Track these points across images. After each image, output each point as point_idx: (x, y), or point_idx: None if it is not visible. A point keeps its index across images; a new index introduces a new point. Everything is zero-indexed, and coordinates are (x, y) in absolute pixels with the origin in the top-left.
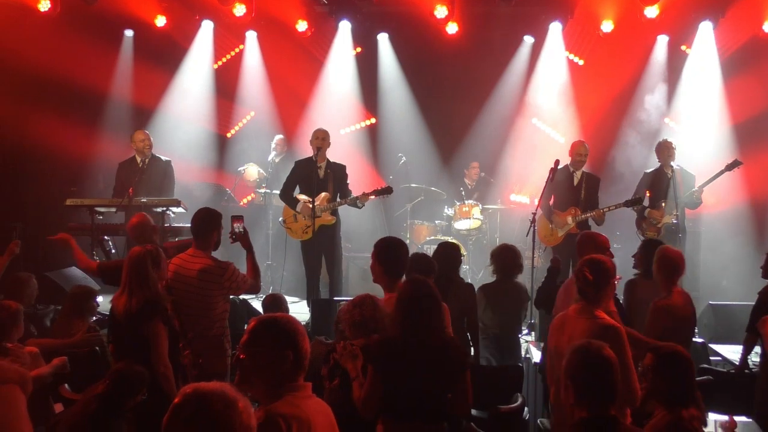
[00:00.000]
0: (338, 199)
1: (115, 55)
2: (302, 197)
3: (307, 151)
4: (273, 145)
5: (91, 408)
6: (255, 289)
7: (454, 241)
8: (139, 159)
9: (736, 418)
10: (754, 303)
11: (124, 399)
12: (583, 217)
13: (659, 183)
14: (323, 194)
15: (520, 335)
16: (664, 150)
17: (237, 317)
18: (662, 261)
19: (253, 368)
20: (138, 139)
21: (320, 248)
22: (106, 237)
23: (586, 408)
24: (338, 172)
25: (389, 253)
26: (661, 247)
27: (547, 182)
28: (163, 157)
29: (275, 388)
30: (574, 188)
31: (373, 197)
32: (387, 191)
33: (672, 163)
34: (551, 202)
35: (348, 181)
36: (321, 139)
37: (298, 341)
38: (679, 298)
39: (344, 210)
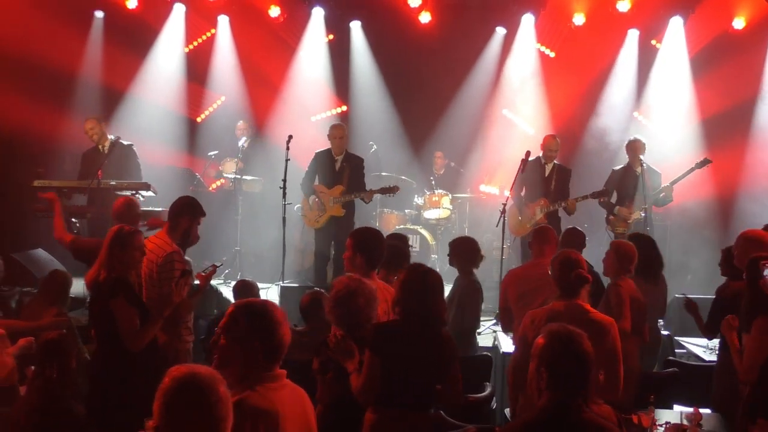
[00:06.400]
0: (353, 192)
1: (84, 36)
2: (319, 188)
3: (278, 137)
4: (236, 130)
5: (36, 387)
6: (186, 308)
7: (401, 232)
8: (100, 146)
9: (702, 410)
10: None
11: (60, 367)
12: (551, 209)
13: (627, 180)
14: (337, 186)
15: (478, 331)
16: (635, 148)
17: (207, 304)
18: (620, 253)
19: (229, 354)
20: (87, 128)
21: (331, 237)
22: (73, 219)
23: (557, 393)
24: (354, 164)
25: (370, 244)
26: (618, 240)
27: (518, 173)
28: (125, 142)
29: (247, 376)
30: (545, 180)
31: (377, 194)
32: (392, 190)
33: (641, 160)
34: (522, 193)
35: (364, 174)
36: (338, 138)
37: (273, 329)
38: (630, 284)
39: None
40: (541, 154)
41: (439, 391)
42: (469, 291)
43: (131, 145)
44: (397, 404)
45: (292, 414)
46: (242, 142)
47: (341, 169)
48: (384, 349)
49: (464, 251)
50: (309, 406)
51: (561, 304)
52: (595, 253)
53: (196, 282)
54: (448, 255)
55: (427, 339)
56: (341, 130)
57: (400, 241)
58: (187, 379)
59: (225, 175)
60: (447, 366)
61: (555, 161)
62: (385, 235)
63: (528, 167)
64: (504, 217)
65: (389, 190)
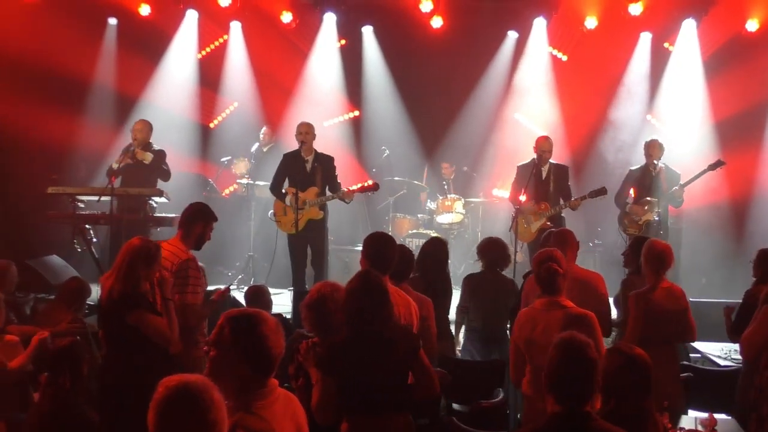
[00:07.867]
0: (327, 192)
1: (98, 43)
2: (291, 191)
3: (291, 143)
4: (261, 136)
5: (48, 395)
6: (197, 316)
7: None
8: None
9: (716, 416)
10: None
11: (72, 374)
12: (552, 212)
13: (643, 180)
14: (311, 188)
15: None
16: (652, 149)
17: (219, 310)
18: (649, 254)
19: (220, 364)
20: (137, 127)
21: (307, 241)
22: (87, 226)
23: (562, 401)
24: (326, 164)
25: (375, 249)
26: (649, 240)
27: (530, 178)
28: (156, 147)
29: (241, 391)
30: (543, 182)
31: (358, 192)
32: (373, 188)
33: (657, 162)
34: (522, 198)
35: (336, 173)
36: (304, 133)
37: (259, 341)
38: (662, 293)
39: (331, 203)
40: (535, 157)
41: (412, 385)
42: (506, 288)
43: (162, 150)
44: (366, 410)
45: (287, 428)
46: (257, 147)
47: (313, 169)
48: (335, 367)
49: (494, 252)
50: (300, 410)
51: (539, 301)
52: (609, 255)
53: (209, 288)
54: (477, 252)
55: (377, 344)
56: (304, 126)
57: (436, 246)
58: (180, 387)
59: (238, 181)
60: (408, 362)
61: (551, 161)
62: (402, 239)
63: (524, 171)
64: (516, 221)
65: (369, 189)
